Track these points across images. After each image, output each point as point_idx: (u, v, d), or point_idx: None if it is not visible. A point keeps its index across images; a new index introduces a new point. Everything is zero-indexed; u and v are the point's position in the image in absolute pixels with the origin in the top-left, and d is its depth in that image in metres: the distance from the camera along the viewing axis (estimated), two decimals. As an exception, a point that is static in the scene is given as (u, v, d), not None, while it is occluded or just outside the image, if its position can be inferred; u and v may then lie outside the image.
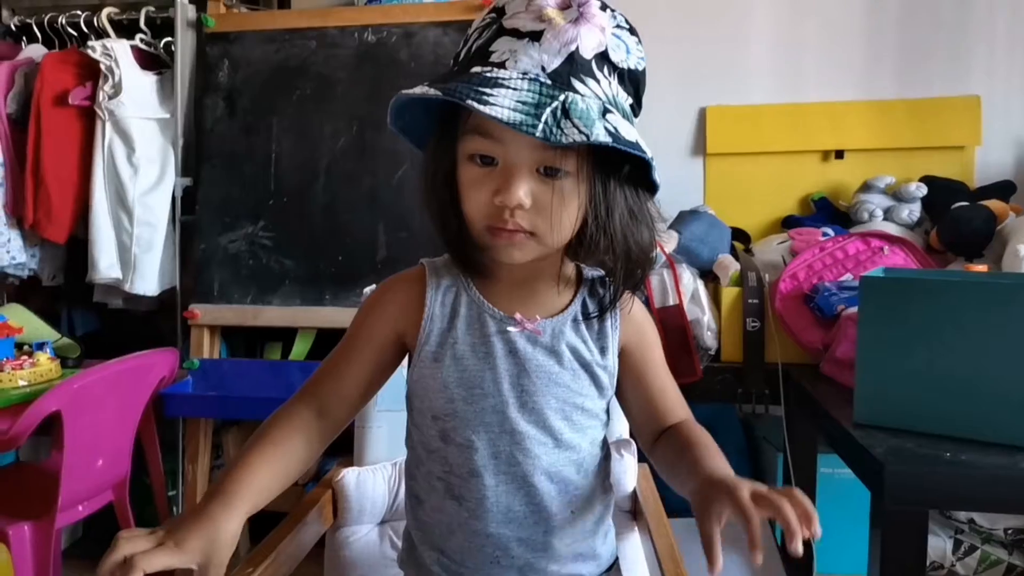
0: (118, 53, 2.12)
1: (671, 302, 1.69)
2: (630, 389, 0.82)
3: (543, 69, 0.65)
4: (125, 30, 2.27)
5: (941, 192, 1.95)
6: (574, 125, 0.62)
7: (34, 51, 2.28)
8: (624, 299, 0.79)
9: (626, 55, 0.69)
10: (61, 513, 1.56)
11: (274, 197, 2.13)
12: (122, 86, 2.11)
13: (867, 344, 1.18)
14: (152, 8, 2.25)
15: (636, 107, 0.73)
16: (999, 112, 2.13)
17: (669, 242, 1.79)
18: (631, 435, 1.12)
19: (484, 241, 0.72)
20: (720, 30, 2.27)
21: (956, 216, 1.76)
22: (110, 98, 2.11)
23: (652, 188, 0.72)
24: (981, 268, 1.55)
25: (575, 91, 0.65)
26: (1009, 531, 1.81)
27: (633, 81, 0.71)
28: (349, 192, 2.10)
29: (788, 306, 1.64)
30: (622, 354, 0.81)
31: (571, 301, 0.80)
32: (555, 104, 0.63)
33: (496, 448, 0.75)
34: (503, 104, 0.62)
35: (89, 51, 2.12)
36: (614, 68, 0.68)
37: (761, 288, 1.69)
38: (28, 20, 2.35)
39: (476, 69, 0.66)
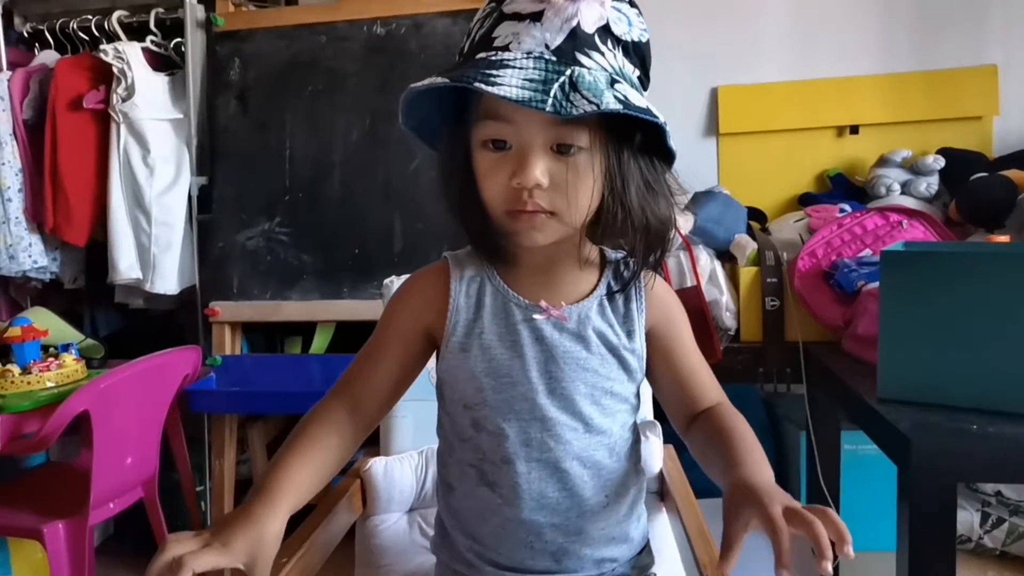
0: (130, 55, 2.13)
1: (689, 283, 1.69)
2: (660, 370, 0.82)
3: (547, 47, 0.65)
4: (136, 32, 2.29)
5: (959, 164, 1.92)
6: (583, 96, 0.62)
7: (47, 57, 2.30)
8: (646, 278, 0.79)
9: (628, 27, 0.69)
10: (93, 511, 1.59)
11: (289, 192, 2.14)
12: (135, 88, 2.12)
13: (889, 319, 1.17)
14: (161, 10, 2.26)
15: (644, 79, 0.72)
16: (1017, 81, 2.10)
17: (685, 224, 1.78)
18: (655, 416, 1.13)
19: (506, 226, 0.72)
20: (730, 8, 2.25)
21: (975, 187, 1.74)
22: (123, 100, 2.13)
23: (668, 157, 0.72)
24: (1003, 239, 1.54)
25: (581, 65, 0.65)
26: (1037, 503, 1.80)
27: (639, 53, 0.70)
28: (364, 185, 2.10)
29: (807, 284, 1.63)
30: (649, 334, 0.80)
31: (595, 286, 0.80)
32: (562, 79, 0.63)
33: (527, 435, 0.76)
34: (510, 83, 0.62)
35: (101, 55, 2.14)
36: (618, 41, 0.68)
37: (779, 267, 1.68)
38: (40, 26, 2.36)
39: (481, 55, 0.66)
